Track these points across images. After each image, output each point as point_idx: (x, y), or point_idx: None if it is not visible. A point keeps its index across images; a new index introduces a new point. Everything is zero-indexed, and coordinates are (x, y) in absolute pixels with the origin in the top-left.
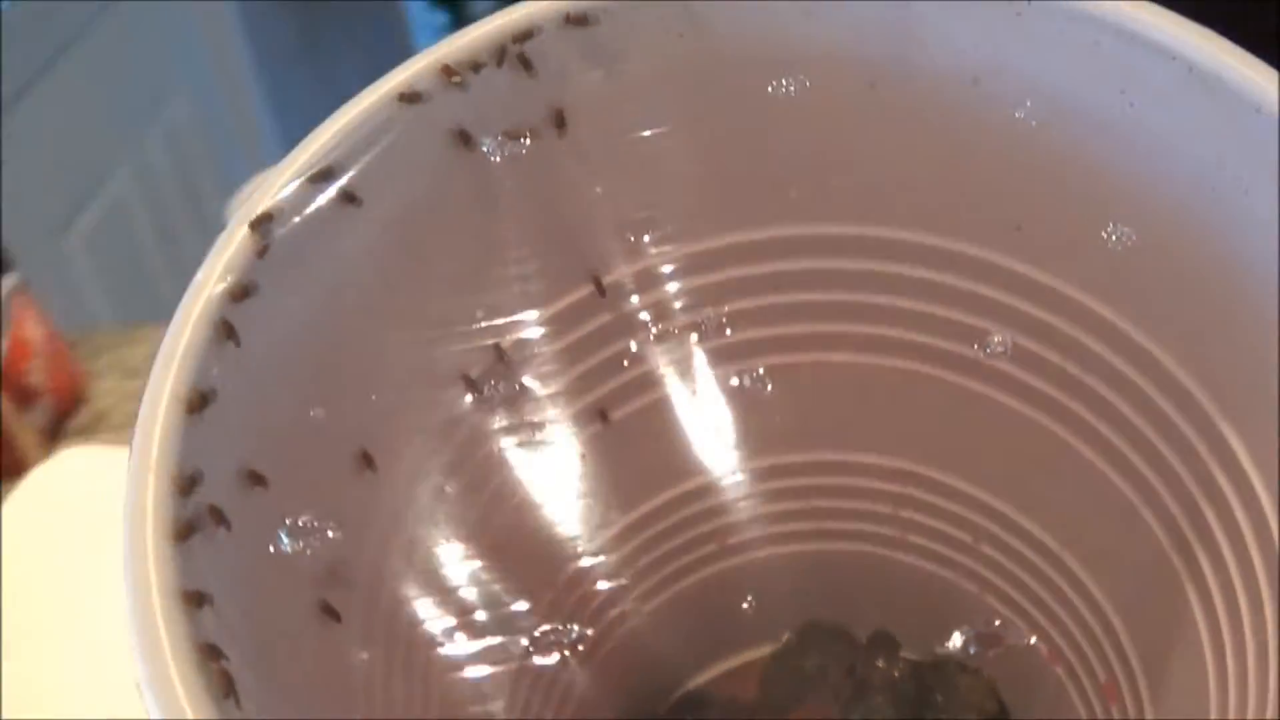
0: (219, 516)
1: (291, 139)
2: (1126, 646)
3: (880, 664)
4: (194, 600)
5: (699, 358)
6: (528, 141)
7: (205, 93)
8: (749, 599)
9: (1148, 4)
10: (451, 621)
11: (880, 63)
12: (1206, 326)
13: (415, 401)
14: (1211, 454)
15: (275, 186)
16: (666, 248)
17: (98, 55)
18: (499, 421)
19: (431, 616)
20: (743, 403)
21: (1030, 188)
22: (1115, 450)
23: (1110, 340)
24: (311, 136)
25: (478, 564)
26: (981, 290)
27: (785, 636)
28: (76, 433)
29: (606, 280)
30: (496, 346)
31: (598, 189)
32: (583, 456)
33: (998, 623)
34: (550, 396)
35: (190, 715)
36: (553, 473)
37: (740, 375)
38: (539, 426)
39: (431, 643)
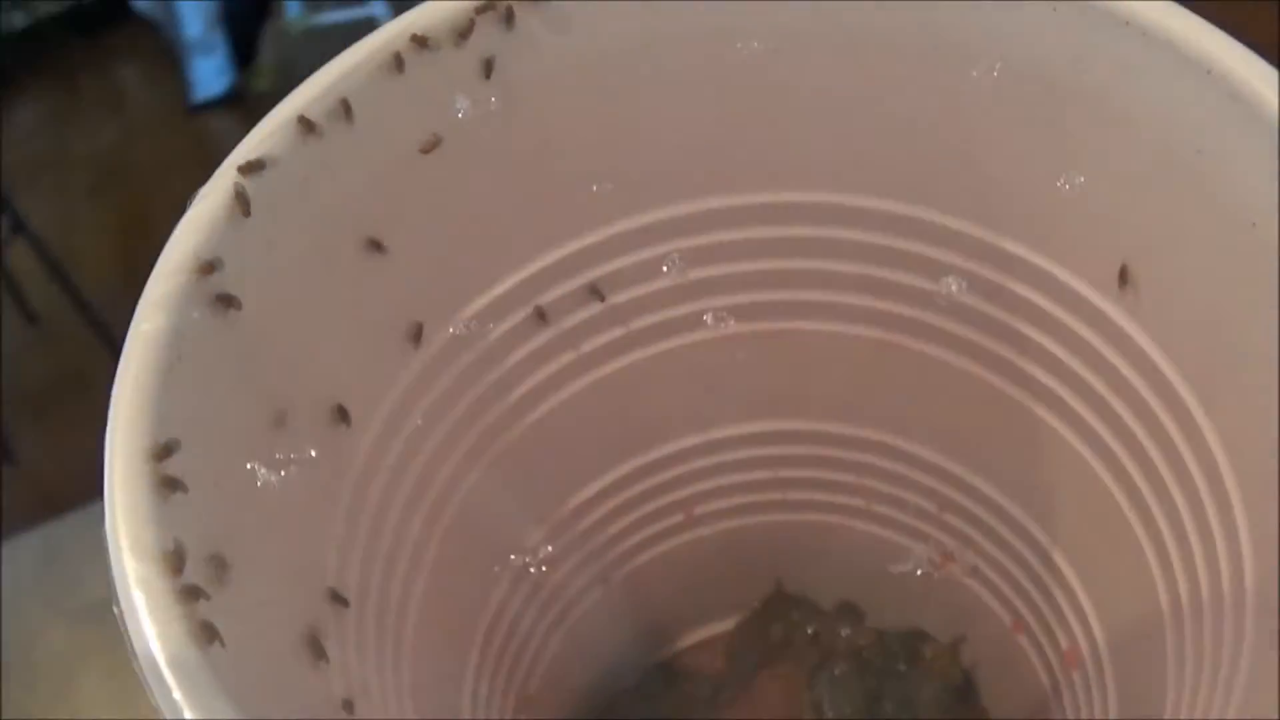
0: None
1: None
2: (1089, 613)
3: (845, 633)
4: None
5: (668, 324)
6: (495, 101)
7: None
8: (716, 569)
9: None
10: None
11: (845, 27)
12: (1155, 279)
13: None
14: (1167, 413)
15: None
16: (644, 212)
17: None
18: (470, 386)
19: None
20: (711, 370)
21: (982, 146)
22: (1073, 413)
23: (1057, 295)
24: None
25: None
26: (935, 253)
27: (752, 606)
28: None
29: (585, 243)
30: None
31: (567, 152)
32: (552, 420)
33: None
34: (518, 363)
35: None
36: (524, 435)
37: (710, 343)
38: (506, 390)
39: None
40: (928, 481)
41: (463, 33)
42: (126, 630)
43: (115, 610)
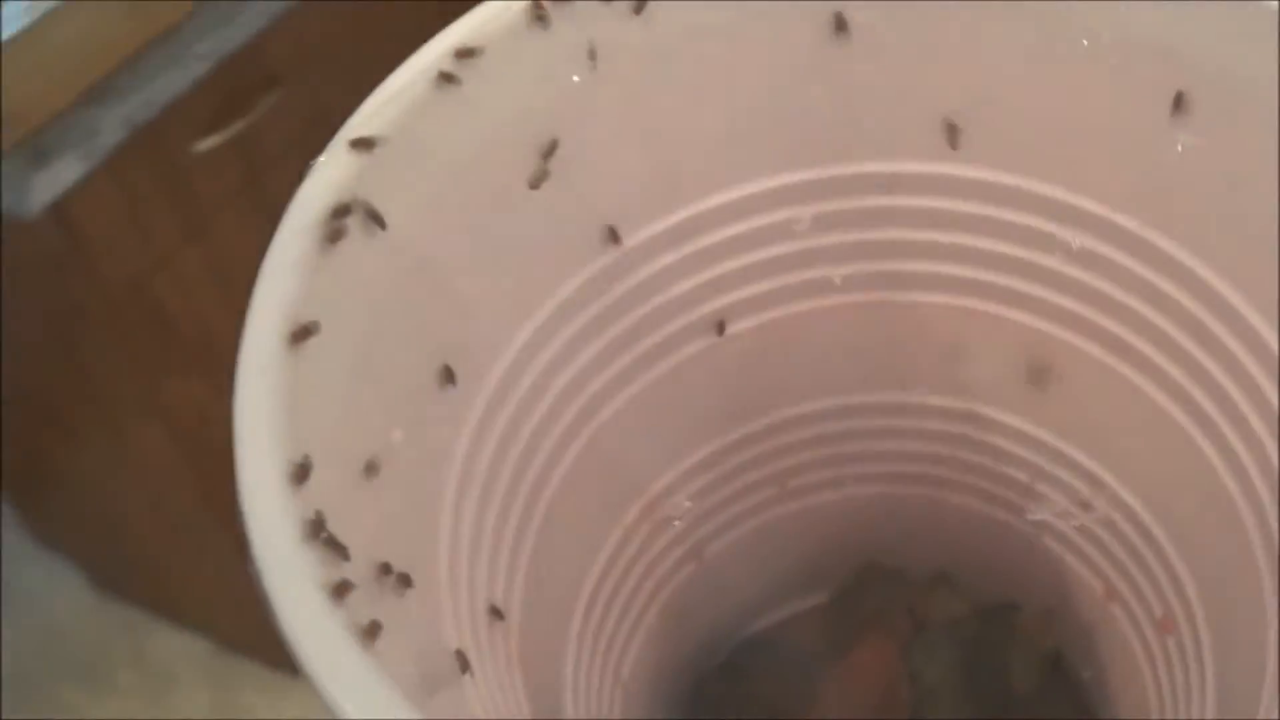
0: None
1: None
2: (1184, 580)
3: (939, 604)
4: None
5: (776, 293)
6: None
7: None
8: (809, 543)
9: None
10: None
11: None
12: (1257, 244)
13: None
14: (1266, 376)
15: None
16: (764, 178)
17: None
18: (574, 357)
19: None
20: (814, 342)
21: (1101, 119)
22: (1173, 381)
23: (1161, 265)
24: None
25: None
26: (1041, 225)
27: (845, 579)
28: None
29: (705, 206)
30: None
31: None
32: (650, 395)
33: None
34: (637, 321)
35: None
36: (626, 405)
37: (815, 313)
38: (605, 363)
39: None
40: (1020, 452)
41: None
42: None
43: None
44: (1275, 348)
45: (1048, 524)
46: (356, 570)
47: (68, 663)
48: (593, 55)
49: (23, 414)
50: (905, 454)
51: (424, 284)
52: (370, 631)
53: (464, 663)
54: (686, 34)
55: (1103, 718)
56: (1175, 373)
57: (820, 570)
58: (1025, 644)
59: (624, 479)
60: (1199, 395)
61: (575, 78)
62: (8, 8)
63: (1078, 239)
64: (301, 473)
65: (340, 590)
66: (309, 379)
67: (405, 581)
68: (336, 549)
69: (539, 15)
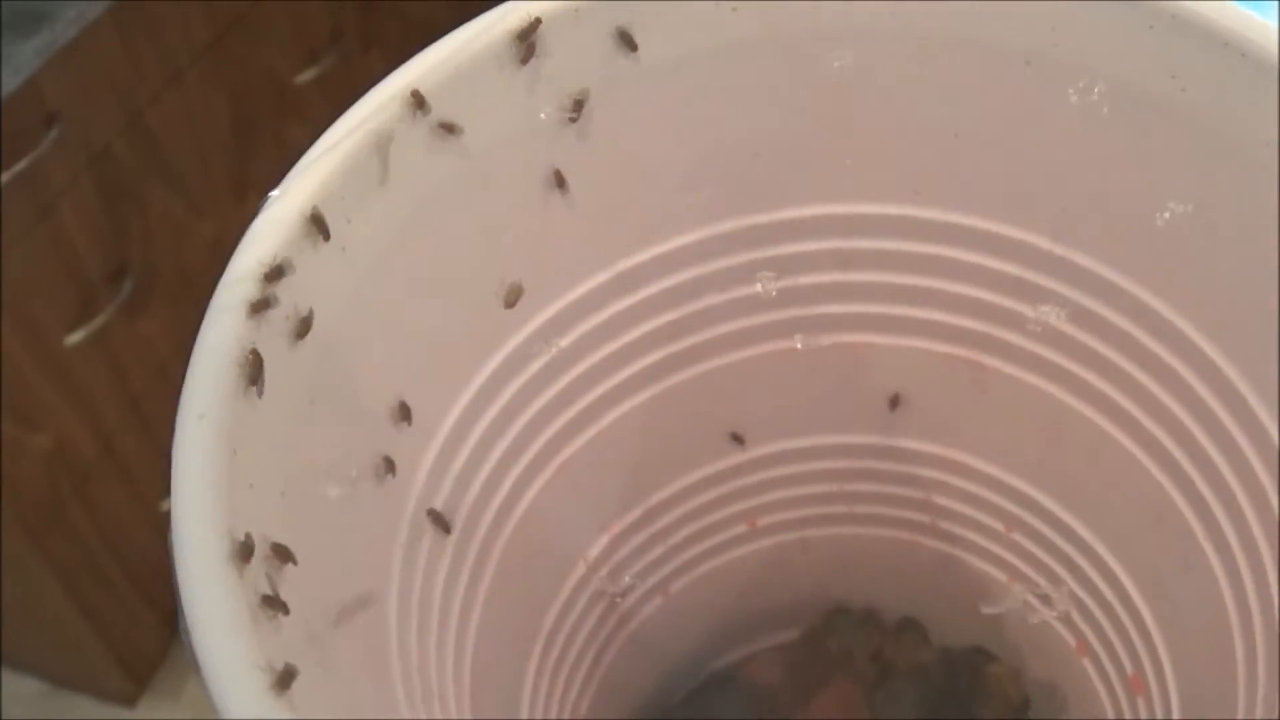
0: None
1: None
2: (1156, 639)
3: (907, 649)
4: None
5: (743, 332)
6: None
7: None
8: (779, 581)
9: None
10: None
11: (932, 37)
12: (1250, 313)
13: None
14: (1251, 446)
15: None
16: (721, 221)
17: None
18: (546, 383)
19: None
20: (782, 381)
21: (1081, 170)
22: (1154, 441)
23: (1151, 326)
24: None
25: (509, 529)
26: (1024, 274)
27: (813, 619)
28: None
29: (656, 252)
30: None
31: (650, 156)
32: (622, 426)
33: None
34: (598, 362)
35: None
36: (593, 439)
37: (782, 354)
38: (575, 397)
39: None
40: (997, 500)
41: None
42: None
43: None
44: (1252, 401)
45: (1022, 573)
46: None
47: None
48: None
49: None
50: (878, 496)
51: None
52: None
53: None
54: None
55: None
56: (1151, 426)
57: (788, 609)
58: (993, 694)
59: (587, 516)
60: (1178, 455)
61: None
62: None
63: (1060, 290)
64: (245, 551)
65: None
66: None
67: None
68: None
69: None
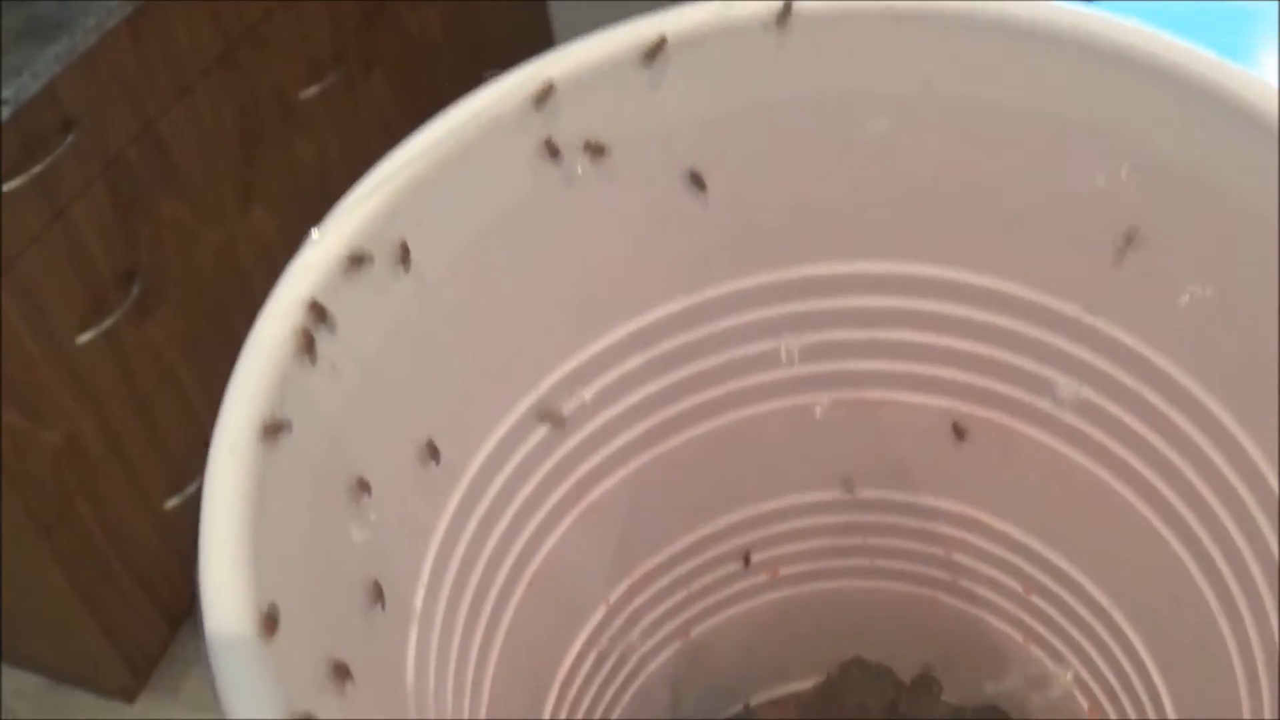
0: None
1: None
2: (1168, 707)
3: (921, 705)
4: None
5: (768, 386)
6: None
7: None
8: (797, 631)
9: (1232, 67)
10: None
11: (966, 106)
12: (1270, 389)
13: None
14: (1273, 531)
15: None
16: (745, 278)
17: None
18: (566, 437)
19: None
20: (805, 435)
21: (1111, 242)
22: (1174, 512)
23: (1175, 398)
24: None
25: (530, 573)
26: (1052, 340)
27: (829, 670)
28: None
29: (677, 307)
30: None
31: (684, 210)
32: (645, 476)
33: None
34: (616, 417)
35: None
36: (614, 488)
37: (804, 408)
38: (601, 443)
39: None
40: (1017, 561)
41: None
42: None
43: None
44: (1273, 482)
45: (1039, 634)
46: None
47: None
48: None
49: None
50: (900, 551)
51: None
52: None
53: None
54: None
55: None
56: (1172, 497)
57: (806, 658)
58: None
59: (609, 561)
60: (1197, 527)
61: None
62: None
63: (1083, 356)
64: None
65: None
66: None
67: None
68: None
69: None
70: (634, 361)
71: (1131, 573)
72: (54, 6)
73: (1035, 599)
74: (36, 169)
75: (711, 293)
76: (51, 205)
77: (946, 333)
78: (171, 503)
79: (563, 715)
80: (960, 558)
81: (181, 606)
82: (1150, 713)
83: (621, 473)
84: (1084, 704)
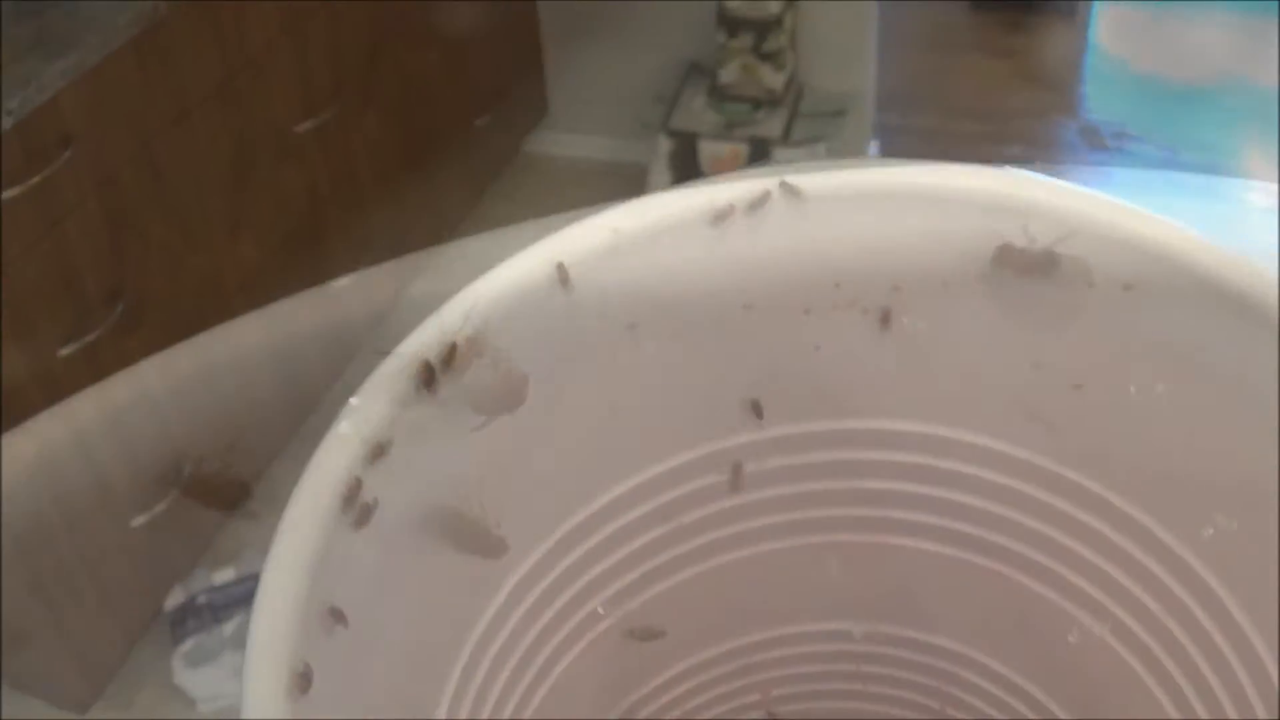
0: None
1: None
2: None
3: None
4: None
5: (773, 527)
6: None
7: None
8: None
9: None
10: None
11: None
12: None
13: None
14: (1239, 662)
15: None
16: (777, 427)
17: None
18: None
19: None
20: (805, 571)
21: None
22: (1146, 649)
23: (1138, 538)
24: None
25: None
26: (1042, 495)
27: None
28: None
29: (709, 449)
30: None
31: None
32: (652, 605)
33: None
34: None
35: None
36: (618, 620)
37: (805, 549)
38: (622, 572)
39: None
40: (1007, 699)
41: None
42: None
43: None
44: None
45: None
46: None
47: None
48: None
49: None
50: (892, 679)
51: None
52: None
53: None
54: None
55: None
56: (1149, 640)
57: None
58: None
59: (608, 688)
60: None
61: None
62: None
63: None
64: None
65: None
66: None
67: None
68: None
69: None
70: (651, 504)
71: (1112, 706)
72: (65, 22)
73: None
74: (35, 180)
75: (741, 439)
76: (47, 217)
77: (952, 489)
78: (139, 520)
79: None
80: (951, 689)
81: (142, 621)
82: None
83: (635, 601)
84: None
